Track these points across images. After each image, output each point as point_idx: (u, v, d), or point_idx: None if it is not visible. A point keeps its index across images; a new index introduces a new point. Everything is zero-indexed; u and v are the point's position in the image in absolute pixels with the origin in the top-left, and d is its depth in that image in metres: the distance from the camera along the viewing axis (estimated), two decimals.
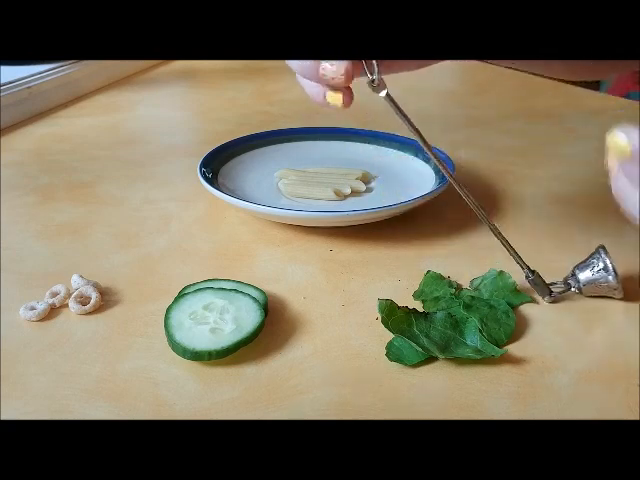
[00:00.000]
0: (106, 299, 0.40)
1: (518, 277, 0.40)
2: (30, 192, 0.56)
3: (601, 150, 0.31)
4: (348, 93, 0.36)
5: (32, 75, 0.78)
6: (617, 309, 0.39)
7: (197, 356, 0.33)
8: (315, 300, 0.40)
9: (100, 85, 0.91)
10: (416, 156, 0.57)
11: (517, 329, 0.36)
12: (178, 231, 0.49)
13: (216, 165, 0.55)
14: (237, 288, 0.38)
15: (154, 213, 0.52)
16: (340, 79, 0.34)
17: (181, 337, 0.34)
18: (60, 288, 0.40)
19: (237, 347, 0.34)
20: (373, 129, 0.62)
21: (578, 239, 0.47)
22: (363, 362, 0.34)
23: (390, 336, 0.35)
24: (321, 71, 0.34)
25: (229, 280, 0.40)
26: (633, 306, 0.39)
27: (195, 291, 0.38)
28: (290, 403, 0.31)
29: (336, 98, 0.36)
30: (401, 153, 0.58)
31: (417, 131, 0.36)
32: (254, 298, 0.37)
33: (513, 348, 0.35)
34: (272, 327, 0.37)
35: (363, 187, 0.53)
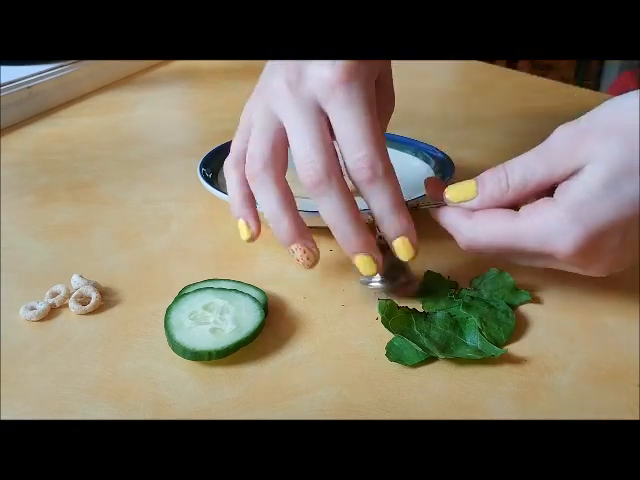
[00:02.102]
0: (106, 299, 0.40)
1: (518, 277, 0.40)
2: (30, 192, 0.56)
3: None
4: (257, 225, 0.38)
5: (32, 75, 0.78)
6: (617, 309, 0.39)
7: (197, 356, 0.33)
8: (315, 300, 0.40)
9: (100, 85, 0.91)
10: (415, 156, 0.57)
11: (517, 329, 0.36)
12: (178, 231, 0.49)
13: (216, 165, 0.55)
14: (237, 288, 0.38)
15: (154, 213, 0.52)
16: (306, 263, 0.36)
17: (181, 337, 0.34)
18: (60, 288, 0.40)
19: (237, 347, 0.34)
20: None
21: None
22: (363, 362, 0.34)
23: (390, 336, 0.35)
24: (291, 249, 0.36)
25: (229, 280, 0.40)
26: (633, 306, 0.39)
27: (195, 291, 0.38)
28: (290, 403, 0.31)
29: (242, 230, 0.38)
30: (400, 153, 0.58)
31: None
32: (254, 298, 0.37)
33: (513, 348, 0.35)
34: (272, 327, 0.37)
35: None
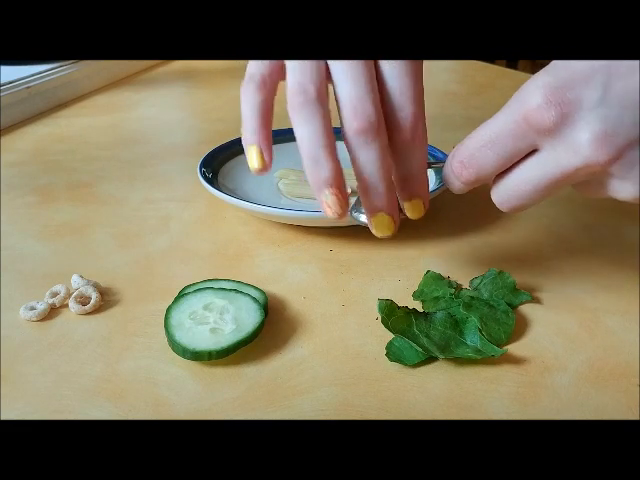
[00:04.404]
0: (106, 299, 0.40)
1: (518, 277, 0.40)
2: (30, 192, 0.56)
3: None
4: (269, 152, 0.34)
5: (32, 75, 0.78)
6: (617, 309, 0.39)
7: (197, 356, 0.33)
8: (315, 300, 0.40)
9: (100, 85, 0.91)
10: None
11: (517, 329, 0.36)
12: (178, 231, 0.49)
13: (216, 165, 0.55)
14: (237, 288, 0.38)
15: (154, 213, 0.52)
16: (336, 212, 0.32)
17: (181, 337, 0.34)
18: (60, 288, 0.40)
19: (237, 347, 0.34)
20: None
21: (577, 238, 0.47)
22: (363, 362, 0.34)
23: (390, 336, 0.35)
24: (323, 197, 0.32)
25: (229, 280, 0.40)
26: (633, 306, 0.39)
27: (195, 291, 0.38)
28: (290, 403, 0.31)
29: (252, 158, 0.34)
30: None
31: None
32: (254, 298, 0.37)
33: (513, 348, 0.35)
34: (272, 327, 0.37)
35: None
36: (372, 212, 0.34)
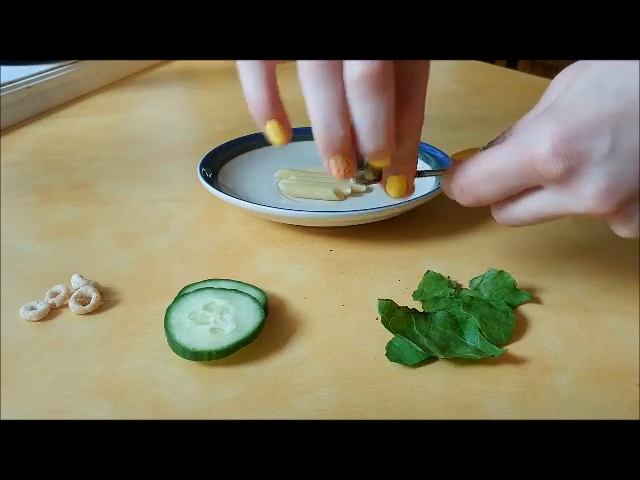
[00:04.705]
0: (106, 299, 0.40)
1: (518, 277, 0.40)
2: (30, 192, 0.56)
3: None
4: (287, 127, 0.33)
5: (32, 75, 0.78)
6: (617, 309, 0.39)
7: (197, 356, 0.33)
8: (315, 300, 0.40)
9: (100, 85, 0.91)
10: None
11: (517, 329, 0.36)
12: (178, 231, 0.49)
13: (216, 165, 0.55)
14: (237, 288, 0.38)
15: (154, 213, 0.52)
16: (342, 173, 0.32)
17: (181, 337, 0.34)
18: (60, 288, 0.40)
19: (237, 347, 0.34)
20: None
21: (577, 238, 0.47)
22: (363, 362, 0.34)
23: (390, 336, 0.35)
24: (331, 164, 0.32)
25: (229, 280, 0.40)
26: (633, 306, 0.39)
27: (195, 291, 0.38)
28: (290, 403, 0.31)
29: (276, 132, 0.33)
30: None
31: None
32: (254, 298, 0.37)
33: (513, 348, 0.35)
34: (272, 327, 0.37)
35: (363, 187, 0.53)
36: (375, 155, 0.32)
